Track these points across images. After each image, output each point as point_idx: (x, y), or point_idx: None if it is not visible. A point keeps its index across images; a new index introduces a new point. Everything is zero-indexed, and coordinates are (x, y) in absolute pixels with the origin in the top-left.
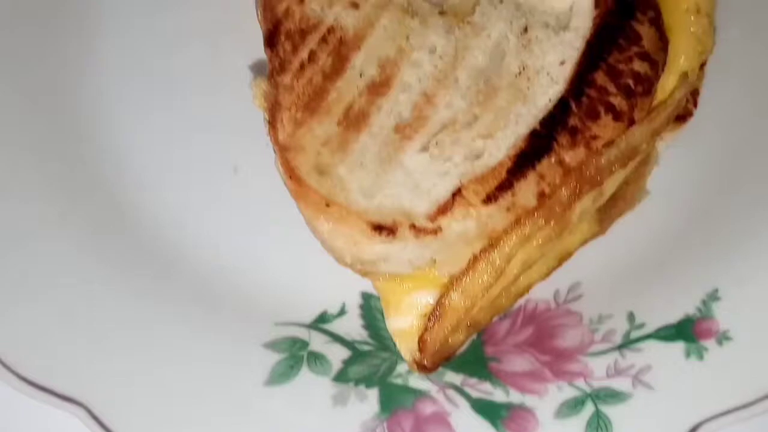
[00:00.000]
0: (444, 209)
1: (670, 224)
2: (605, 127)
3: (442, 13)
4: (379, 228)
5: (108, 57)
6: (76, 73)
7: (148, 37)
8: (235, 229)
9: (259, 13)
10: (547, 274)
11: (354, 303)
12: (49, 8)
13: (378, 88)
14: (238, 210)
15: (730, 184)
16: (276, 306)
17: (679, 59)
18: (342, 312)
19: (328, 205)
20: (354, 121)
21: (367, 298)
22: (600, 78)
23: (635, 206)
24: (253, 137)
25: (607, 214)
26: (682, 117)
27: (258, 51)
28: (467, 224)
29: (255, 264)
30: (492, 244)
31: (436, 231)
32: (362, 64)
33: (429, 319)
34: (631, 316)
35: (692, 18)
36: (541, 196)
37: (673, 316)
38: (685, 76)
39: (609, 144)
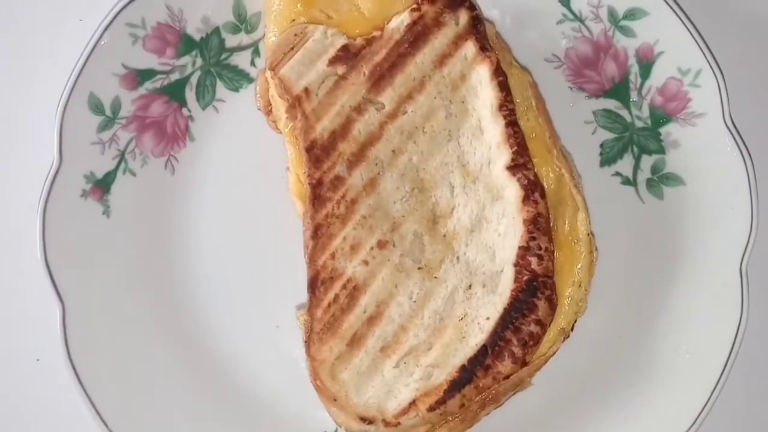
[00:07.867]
0: (404, 412)
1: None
2: (506, 366)
3: (420, 268)
4: (363, 418)
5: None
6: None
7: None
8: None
9: (306, 258)
10: None
11: None
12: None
13: (374, 319)
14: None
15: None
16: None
17: (560, 318)
18: None
19: (335, 399)
20: (357, 342)
21: None
22: (508, 334)
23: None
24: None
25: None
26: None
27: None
28: (416, 420)
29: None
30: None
31: (397, 424)
32: (366, 303)
33: None
34: None
35: (575, 289)
36: (462, 406)
37: None
38: (563, 330)
39: (507, 377)
